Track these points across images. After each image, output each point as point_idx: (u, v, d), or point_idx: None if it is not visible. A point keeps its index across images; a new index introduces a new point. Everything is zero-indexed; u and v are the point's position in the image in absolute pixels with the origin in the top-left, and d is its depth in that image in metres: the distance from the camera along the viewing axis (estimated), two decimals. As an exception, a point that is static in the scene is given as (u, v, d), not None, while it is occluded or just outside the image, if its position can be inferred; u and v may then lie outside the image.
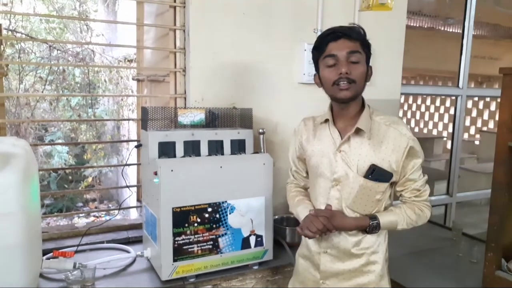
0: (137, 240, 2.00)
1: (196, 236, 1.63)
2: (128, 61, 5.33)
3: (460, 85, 3.28)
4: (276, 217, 2.13)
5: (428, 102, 7.40)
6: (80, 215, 6.16)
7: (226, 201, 1.67)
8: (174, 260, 1.60)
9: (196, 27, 2.01)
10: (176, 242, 1.59)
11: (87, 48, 5.92)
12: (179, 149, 1.67)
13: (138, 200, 2.81)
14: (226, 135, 1.76)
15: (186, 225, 1.60)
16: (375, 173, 1.33)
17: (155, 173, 1.56)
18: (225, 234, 1.69)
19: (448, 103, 6.94)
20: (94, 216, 5.92)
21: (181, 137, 1.67)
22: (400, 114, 3.87)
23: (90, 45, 5.94)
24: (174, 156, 1.66)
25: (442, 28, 4.81)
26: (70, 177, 7.07)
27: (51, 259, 1.65)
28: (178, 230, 1.59)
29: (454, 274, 1.88)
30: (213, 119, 1.80)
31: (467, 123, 6.66)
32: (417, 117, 7.54)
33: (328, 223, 1.31)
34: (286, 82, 2.24)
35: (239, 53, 2.11)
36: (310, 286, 1.47)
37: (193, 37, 2.01)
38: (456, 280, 1.81)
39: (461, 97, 3.29)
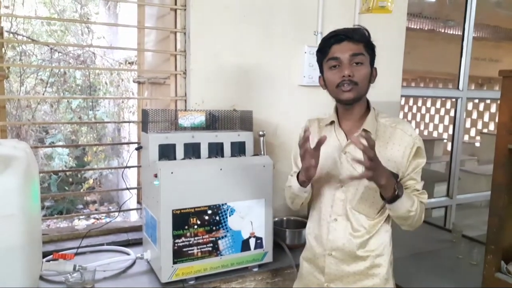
0: (137, 242, 2.00)
1: (196, 238, 1.63)
2: (129, 63, 5.35)
3: (461, 87, 3.28)
4: (276, 219, 2.13)
5: (428, 104, 7.40)
6: (80, 217, 6.16)
7: (226, 203, 1.68)
8: (174, 262, 1.60)
9: (197, 30, 2.02)
10: (176, 244, 1.59)
11: (88, 51, 5.94)
12: (179, 152, 1.67)
13: (138, 202, 2.81)
14: (226, 138, 1.76)
15: (186, 227, 1.61)
16: None
17: (155, 175, 1.56)
18: (225, 236, 1.69)
19: (448, 105, 6.95)
20: (94, 218, 5.93)
21: (181, 139, 1.68)
22: (401, 116, 3.87)
23: (91, 48, 5.95)
24: (174, 158, 1.66)
25: (443, 30, 4.82)
26: (70, 179, 7.08)
27: (51, 261, 1.65)
28: (178, 232, 1.59)
29: (454, 276, 1.88)
30: (213, 122, 1.80)
31: (468, 125, 6.67)
32: (418, 119, 7.55)
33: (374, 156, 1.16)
34: (286, 85, 2.25)
35: (239, 55, 2.11)
36: None
37: (193, 40, 2.02)
38: (456, 282, 1.81)
39: (461, 99, 3.29)
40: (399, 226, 1.40)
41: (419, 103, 7.57)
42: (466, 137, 6.54)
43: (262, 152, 1.88)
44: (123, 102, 6.42)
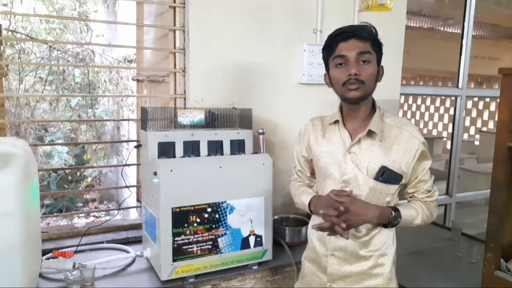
0: (137, 240, 2.01)
1: (195, 236, 1.63)
2: (128, 61, 5.34)
3: (460, 85, 3.28)
4: (276, 217, 2.13)
5: (428, 102, 7.40)
6: (80, 215, 6.16)
7: (225, 201, 1.68)
8: (174, 260, 1.60)
9: (196, 28, 2.01)
10: (176, 242, 1.60)
11: (87, 49, 5.92)
12: (179, 149, 1.67)
13: (138, 200, 2.81)
14: (226, 136, 1.76)
15: (186, 225, 1.61)
16: (386, 175, 1.32)
17: (155, 173, 1.56)
18: (225, 234, 1.69)
19: (448, 104, 6.95)
20: (93, 216, 5.92)
21: (180, 137, 1.67)
22: (400, 114, 3.87)
23: (90, 46, 5.94)
24: (174, 156, 1.66)
25: (442, 29, 4.80)
26: (70, 177, 7.07)
27: (50, 259, 1.66)
28: (177, 230, 1.59)
29: (453, 274, 1.88)
30: (212, 120, 1.80)
31: (467, 123, 6.67)
32: (417, 117, 7.54)
33: (336, 204, 1.27)
34: (286, 83, 2.25)
35: (238, 53, 2.11)
36: None
37: (192, 38, 2.01)
38: (455, 280, 1.82)
39: (461, 97, 3.29)
40: None
41: (419, 102, 7.57)
42: (465, 136, 6.54)
43: (262, 150, 1.88)
44: (122, 100, 6.41)
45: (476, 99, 6.60)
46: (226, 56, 2.08)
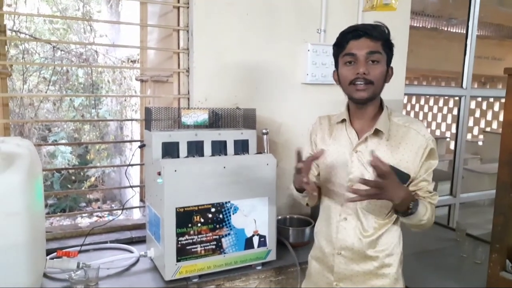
0: (141, 240, 2.01)
1: (199, 236, 1.63)
2: (132, 61, 5.34)
3: (464, 85, 3.27)
4: (280, 217, 2.13)
5: (431, 102, 7.38)
6: (83, 215, 6.17)
7: (229, 202, 1.67)
8: (178, 260, 1.60)
9: (200, 28, 2.01)
10: (180, 242, 1.59)
11: (91, 49, 5.94)
12: (183, 150, 1.67)
13: (141, 200, 2.82)
14: (230, 136, 1.76)
15: (190, 225, 1.61)
16: None
17: (159, 173, 1.56)
18: (229, 234, 1.69)
19: (451, 104, 6.93)
20: (97, 216, 5.93)
21: (184, 137, 1.67)
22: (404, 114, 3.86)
23: (94, 46, 5.95)
24: (178, 156, 1.66)
25: (446, 29, 4.79)
26: (73, 177, 7.09)
27: (55, 259, 1.66)
28: (181, 230, 1.59)
29: (458, 275, 1.88)
30: (216, 120, 1.80)
31: (470, 123, 6.65)
32: (420, 117, 7.53)
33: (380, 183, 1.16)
34: (290, 83, 2.24)
35: (242, 53, 2.11)
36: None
37: (196, 38, 2.01)
38: (460, 281, 1.81)
39: (465, 97, 3.28)
40: (405, 225, 1.40)
41: (422, 102, 7.55)
42: (469, 136, 6.52)
43: (266, 150, 1.88)
44: (125, 100, 6.42)
45: (479, 99, 6.58)
46: (230, 56, 2.08)
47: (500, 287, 1.54)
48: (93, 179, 6.99)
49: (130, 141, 5.98)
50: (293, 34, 2.22)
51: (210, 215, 1.64)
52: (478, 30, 3.24)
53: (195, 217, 1.61)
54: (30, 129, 5.52)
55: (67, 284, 1.58)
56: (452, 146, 4.25)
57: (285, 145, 2.26)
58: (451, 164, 3.46)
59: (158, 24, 2.60)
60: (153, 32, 2.71)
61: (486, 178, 4.26)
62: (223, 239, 1.68)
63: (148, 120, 1.70)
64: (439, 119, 7.25)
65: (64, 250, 1.67)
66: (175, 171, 1.56)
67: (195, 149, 1.69)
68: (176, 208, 1.57)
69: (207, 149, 1.71)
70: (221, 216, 1.66)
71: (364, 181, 1.19)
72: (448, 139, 6.15)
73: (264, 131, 1.88)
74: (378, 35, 1.29)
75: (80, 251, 1.81)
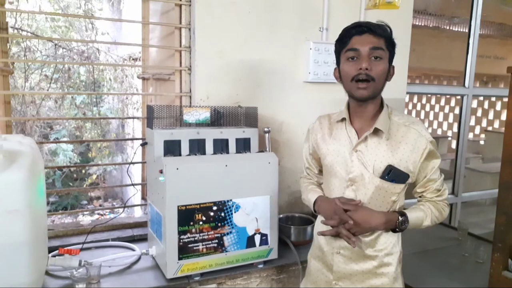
0: (142, 238, 2.01)
1: (201, 234, 1.63)
2: (133, 59, 5.34)
3: (466, 84, 3.26)
4: (281, 216, 2.13)
5: (433, 101, 7.37)
6: (85, 213, 6.18)
7: (231, 200, 1.67)
8: (179, 258, 1.60)
9: (202, 26, 2.01)
10: (181, 240, 1.59)
11: (92, 47, 5.94)
12: (185, 148, 1.67)
13: (143, 198, 2.82)
14: (231, 134, 1.75)
15: (191, 223, 1.61)
16: (392, 174, 1.31)
17: (161, 171, 1.56)
18: (230, 232, 1.69)
19: (453, 103, 6.92)
20: (98, 214, 5.95)
21: (186, 135, 1.67)
22: (405, 113, 3.86)
23: (95, 44, 5.96)
24: (180, 154, 1.66)
25: (448, 27, 4.77)
26: (75, 175, 7.10)
27: (56, 257, 1.66)
28: (183, 228, 1.59)
29: (460, 274, 1.87)
30: (218, 118, 1.80)
31: (472, 122, 6.63)
32: (422, 116, 7.52)
33: (344, 215, 1.28)
34: (292, 81, 2.24)
35: (244, 51, 2.11)
36: (323, 286, 1.47)
37: (198, 36, 2.01)
38: (462, 280, 1.81)
39: (467, 96, 3.27)
40: None
41: (424, 101, 7.54)
42: (470, 135, 6.51)
43: (267, 149, 1.87)
44: (127, 98, 6.43)
45: (481, 98, 6.56)
46: (232, 54, 2.08)
47: (502, 287, 1.54)
48: (94, 177, 7.01)
49: (132, 139, 5.99)
50: (295, 33, 2.21)
51: (212, 213, 1.64)
52: (480, 29, 3.23)
53: (197, 215, 1.61)
54: (32, 126, 5.54)
55: (69, 281, 1.58)
56: (454, 145, 4.25)
57: (287, 144, 2.26)
58: (453, 163, 3.46)
59: (160, 22, 2.60)
60: (155, 30, 2.71)
61: (488, 177, 4.25)
62: (224, 238, 1.68)
63: (150, 118, 1.70)
64: (441, 118, 7.24)
65: (66, 248, 1.66)
66: (177, 169, 1.56)
67: (197, 147, 1.69)
68: (178, 206, 1.57)
69: (209, 147, 1.71)
70: (222, 214, 1.66)
71: (328, 233, 1.34)
72: (450, 138, 6.13)
73: (266, 129, 1.88)
74: (382, 32, 1.28)
75: (82, 249, 1.81)
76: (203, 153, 1.69)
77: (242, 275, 1.76)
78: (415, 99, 7.59)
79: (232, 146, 1.75)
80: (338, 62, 1.38)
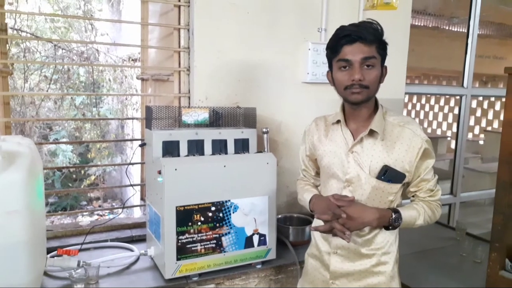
0: (141, 239, 2.01)
1: (199, 235, 1.63)
2: (133, 60, 5.34)
3: (465, 84, 3.27)
4: (280, 216, 2.13)
5: (432, 101, 7.37)
6: (84, 213, 6.18)
7: (229, 200, 1.68)
8: (178, 259, 1.61)
9: (201, 27, 2.01)
10: (180, 241, 1.60)
11: (92, 47, 5.94)
12: (183, 148, 1.67)
13: (142, 198, 2.82)
14: (230, 134, 1.76)
15: (190, 224, 1.61)
16: (388, 174, 1.32)
17: (159, 172, 1.57)
18: (229, 233, 1.69)
19: (452, 103, 6.92)
20: (98, 214, 5.95)
21: (185, 136, 1.68)
22: (404, 113, 3.86)
23: (95, 44, 5.96)
24: (178, 155, 1.66)
25: (447, 28, 4.78)
26: (74, 176, 7.10)
27: (55, 257, 1.66)
28: (181, 229, 1.60)
29: (457, 274, 1.88)
30: (217, 118, 1.80)
31: (471, 122, 6.64)
32: (421, 116, 7.51)
33: (337, 210, 1.28)
34: (290, 82, 2.24)
35: (243, 52, 2.11)
36: (320, 286, 1.47)
37: (197, 37, 2.02)
38: (459, 280, 1.81)
39: (466, 96, 3.28)
40: None
41: (423, 101, 7.54)
42: (469, 135, 6.51)
43: (266, 149, 1.88)
44: (126, 99, 6.43)
45: (480, 98, 6.56)
46: (231, 55, 2.08)
47: (500, 286, 1.54)
48: (93, 177, 7.01)
49: (131, 140, 5.99)
50: (294, 33, 2.22)
51: (210, 214, 1.64)
52: (479, 29, 3.23)
53: (195, 216, 1.62)
54: (31, 127, 5.54)
55: (67, 282, 1.58)
56: (453, 145, 4.25)
57: (285, 144, 2.26)
58: (452, 163, 3.46)
59: (159, 23, 2.60)
60: (154, 31, 2.71)
61: (487, 177, 4.26)
62: (223, 238, 1.68)
63: (149, 119, 1.70)
64: (440, 118, 7.24)
65: (64, 249, 1.67)
66: (176, 170, 1.56)
67: (196, 148, 1.69)
68: (176, 207, 1.58)
69: (208, 148, 1.71)
70: (221, 214, 1.67)
71: (321, 228, 1.32)
72: (449, 138, 6.13)
73: (264, 130, 1.89)
74: (372, 38, 1.27)
75: (80, 250, 1.82)
76: (202, 153, 1.70)
77: (241, 275, 1.76)
78: (414, 99, 7.59)
79: (230, 146, 1.76)
80: (330, 67, 1.38)
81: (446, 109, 7.14)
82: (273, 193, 1.77)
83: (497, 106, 6.51)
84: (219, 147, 1.74)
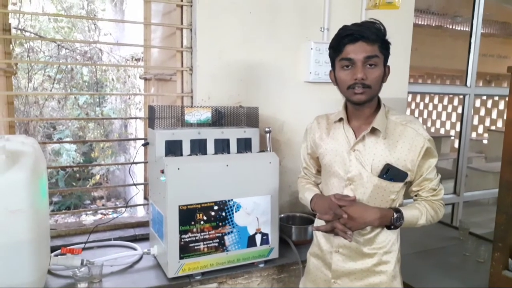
0: (144, 238, 2.02)
1: (202, 234, 1.64)
2: (136, 60, 5.36)
3: (468, 83, 3.26)
4: (282, 215, 2.13)
5: (435, 101, 7.35)
6: (88, 212, 6.21)
7: (232, 200, 1.68)
8: (181, 258, 1.61)
9: (203, 26, 2.02)
10: (183, 240, 1.60)
11: (95, 47, 5.97)
12: (186, 148, 1.68)
13: (145, 198, 2.83)
14: (233, 134, 1.76)
15: (193, 223, 1.61)
16: (390, 173, 1.32)
17: (162, 171, 1.57)
18: (231, 232, 1.69)
19: (455, 102, 6.89)
20: (101, 213, 5.97)
21: (187, 135, 1.68)
22: (408, 113, 3.86)
23: (98, 44, 5.98)
24: (181, 154, 1.67)
25: (450, 26, 4.76)
26: (78, 175, 7.13)
27: (59, 256, 1.67)
28: (184, 228, 1.60)
29: (460, 273, 1.87)
30: (219, 118, 1.80)
31: (475, 122, 6.61)
32: (425, 115, 7.49)
33: (339, 210, 1.28)
34: (293, 81, 2.24)
35: (245, 52, 2.11)
36: (322, 285, 1.47)
37: (200, 36, 2.02)
38: (462, 280, 1.81)
39: (469, 95, 3.27)
40: None
41: (426, 100, 7.52)
42: (473, 134, 6.49)
43: (268, 149, 1.88)
44: (129, 98, 6.45)
45: (484, 97, 6.54)
46: (233, 54, 2.09)
47: (502, 286, 1.54)
48: (97, 177, 7.03)
49: (134, 139, 6.01)
50: (296, 33, 2.22)
51: (213, 213, 1.65)
52: (483, 28, 3.22)
53: (198, 215, 1.62)
54: (35, 127, 5.56)
55: (71, 281, 1.59)
56: (456, 145, 4.24)
57: (288, 144, 2.26)
58: (455, 162, 3.45)
59: (162, 22, 2.61)
60: (157, 30, 2.72)
61: (491, 176, 4.24)
62: (225, 237, 1.68)
63: (152, 118, 1.71)
64: (443, 118, 7.22)
65: (68, 247, 1.68)
66: (178, 169, 1.57)
67: (198, 147, 1.70)
68: (179, 206, 1.58)
69: (210, 147, 1.72)
70: (224, 214, 1.67)
71: (323, 228, 1.33)
72: (452, 138, 6.11)
73: (267, 129, 1.89)
74: (375, 37, 1.27)
75: (84, 248, 1.82)
76: (204, 153, 1.70)
77: (243, 274, 1.77)
78: (417, 99, 7.57)
79: (233, 146, 1.76)
80: (333, 66, 1.38)
81: (449, 108, 7.11)
82: (276, 192, 1.77)
83: (501, 105, 6.49)
84: (222, 146, 1.74)
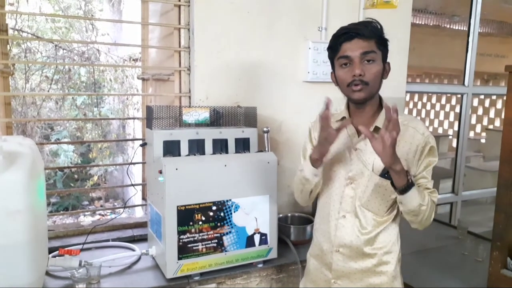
0: (142, 239, 2.02)
1: (200, 234, 1.63)
2: (133, 60, 5.35)
3: (466, 83, 3.26)
4: (281, 215, 2.13)
5: (433, 100, 7.36)
6: (86, 213, 6.19)
7: (230, 200, 1.68)
8: (179, 258, 1.61)
9: (201, 26, 2.01)
10: (181, 240, 1.60)
11: (93, 48, 5.95)
12: (184, 148, 1.67)
13: (143, 198, 2.82)
14: (231, 134, 1.76)
15: (191, 223, 1.61)
16: None
17: (160, 172, 1.57)
18: (230, 232, 1.69)
19: (453, 101, 6.91)
20: (99, 214, 5.96)
21: (185, 135, 1.68)
22: (405, 112, 3.86)
23: (96, 45, 5.97)
24: (179, 154, 1.66)
25: (448, 26, 4.77)
26: (76, 176, 7.12)
27: (57, 257, 1.66)
28: (182, 228, 1.60)
29: (459, 273, 1.87)
30: (217, 118, 1.80)
31: (473, 121, 6.63)
32: (423, 115, 7.50)
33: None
34: (291, 81, 2.24)
35: (243, 51, 2.11)
36: (322, 285, 1.47)
37: (197, 36, 2.02)
38: (461, 279, 1.81)
39: (467, 95, 3.28)
40: (406, 223, 1.39)
41: (424, 99, 7.53)
42: (471, 133, 6.50)
43: (267, 149, 1.88)
44: (127, 99, 6.44)
45: (482, 96, 6.55)
46: (231, 54, 2.08)
47: (501, 285, 1.54)
48: (95, 177, 7.02)
49: (132, 140, 6.00)
50: (294, 32, 2.22)
51: (211, 213, 1.65)
52: (480, 27, 3.22)
53: (196, 215, 1.62)
54: (33, 127, 5.55)
55: (69, 282, 1.59)
56: (454, 144, 4.24)
57: (286, 144, 2.26)
58: (453, 161, 3.46)
59: (159, 22, 2.60)
60: (155, 30, 2.71)
61: (489, 175, 4.25)
62: (224, 237, 1.68)
63: (150, 118, 1.70)
64: (441, 117, 7.23)
65: (66, 249, 1.67)
66: (176, 169, 1.56)
67: (196, 147, 1.69)
68: (178, 206, 1.58)
69: (208, 147, 1.71)
70: (222, 214, 1.67)
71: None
72: (450, 137, 6.13)
73: (265, 129, 1.89)
74: (371, 33, 1.28)
75: (82, 249, 1.82)
76: (203, 153, 1.70)
77: (242, 274, 1.76)
78: (415, 98, 7.58)
79: (231, 146, 1.76)
80: (333, 67, 1.39)
81: (447, 108, 7.13)
82: (274, 192, 1.77)
83: (499, 105, 6.50)
84: (220, 146, 1.74)
